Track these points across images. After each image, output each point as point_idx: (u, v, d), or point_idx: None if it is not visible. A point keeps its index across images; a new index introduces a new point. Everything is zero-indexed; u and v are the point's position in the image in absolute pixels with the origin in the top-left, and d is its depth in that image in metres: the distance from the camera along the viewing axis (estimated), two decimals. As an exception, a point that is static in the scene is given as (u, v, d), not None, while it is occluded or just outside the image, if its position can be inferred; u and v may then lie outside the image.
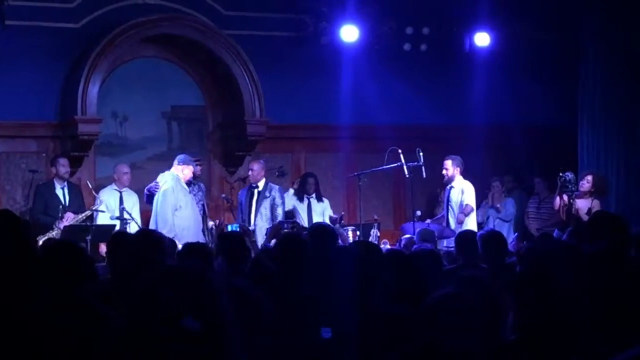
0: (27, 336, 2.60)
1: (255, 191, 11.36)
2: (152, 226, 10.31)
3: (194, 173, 10.91)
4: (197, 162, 11.13)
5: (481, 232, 7.53)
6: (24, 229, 3.76)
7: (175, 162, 10.78)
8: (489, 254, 6.81)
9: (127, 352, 2.26)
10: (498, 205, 12.36)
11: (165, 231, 9.36)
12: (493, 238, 6.97)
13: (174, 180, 10.55)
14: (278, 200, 11.30)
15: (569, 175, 10.28)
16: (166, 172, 10.75)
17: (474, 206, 11.11)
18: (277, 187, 11.47)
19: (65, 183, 11.00)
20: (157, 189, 10.56)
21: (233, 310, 2.52)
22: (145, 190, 10.78)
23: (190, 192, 10.75)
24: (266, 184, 11.40)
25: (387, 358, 3.78)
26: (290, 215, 11.80)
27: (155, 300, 2.31)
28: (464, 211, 10.87)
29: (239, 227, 9.85)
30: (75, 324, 2.60)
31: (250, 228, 11.15)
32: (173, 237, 8.30)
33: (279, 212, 11.24)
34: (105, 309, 2.73)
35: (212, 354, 2.25)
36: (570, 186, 10.18)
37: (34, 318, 2.62)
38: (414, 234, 9.64)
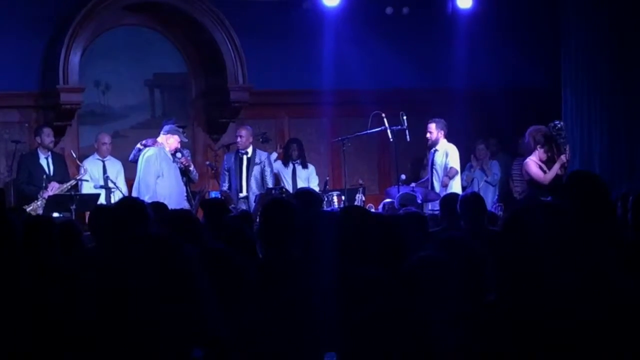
0: (4, 303, 2.62)
1: (245, 157, 11.37)
2: (134, 192, 10.31)
3: (180, 143, 10.87)
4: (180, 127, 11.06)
5: (461, 194, 7.56)
6: None
7: (162, 132, 10.72)
8: (468, 216, 6.83)
9: (103, 318, 2.28)
10: (485, 167, 12.36)
11: (147, 197, 9.37)
12: (472, 200, 6.99)
13: (158, 148, 10.53)
14: (267, 168, 11.36)
15: (560, 124, 10.25)
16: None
17: (459, 169, 11.13)
18: (265, 153, 11.51)
19: (50, 153, 10.97)
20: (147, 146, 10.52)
21: (213, 275, 2.54)
22: (135, 151, 10.69)
23: (174, 162, 10.70)
24: (254, 150, 11.43)
25: (368, 321, 3.81)
26: (276, 180, 11.84)
27: (130, 267, 2.32)
28: (449, 174, 10.89)
29: (220, 193, 9.86)
30: (51, 290, 2.62)
31: (243, 194, 11.19)
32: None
33: (268, 179, 11.30)
34: (83, 276, 2.74)
35: (186, 322, 2.27)
36: (563, 133, 10.18)
37: (11, 285, 2.64)
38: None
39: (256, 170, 11.32)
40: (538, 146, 9.95)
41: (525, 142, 10.38)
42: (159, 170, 10.35)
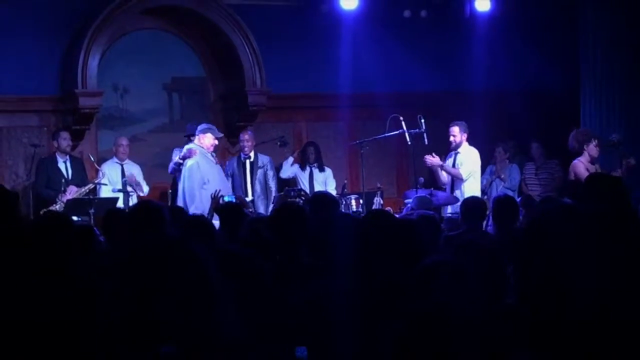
0: (15, 309, 2.61)
1: (247, 162, 11.38)
2: (180, 203, 10.09)
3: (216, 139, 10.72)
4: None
5: (496, 196, 7.56)
6: (11, 199, 3.73)
7: (196, 133, 10.53)
8: (501, 220, 6.81)
9: (117, 322, 2.27)
10: (502, 176, 12.28)
11: (192, 208, 9.36)
12: (507, 204, 6.97)
13: (196, 155, 10.27)
14: (269, 172, 11.41)
15: (616, 137, 10.26)
16: (190, 145, 10.47)
17: (474, 172, 10.95)
18: (267, 157, 11.56)
19: (68, 157, 11.02)
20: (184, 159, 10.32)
21: (228, 276, 2.53)
22: (174, 164, 10.61)
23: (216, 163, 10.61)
24: (256, 154, 11.45)
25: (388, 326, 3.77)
26: (293, 184, 11.86)
27: (146, 270, 2.32)
28: (454, 172, 10.74)
29: (235, 197, 9.83)
30: (64, 296, 2.62)
31: (249, 198, 11.18)
32: (202, 213, 8.20)
33: (271, 182, 11.33)
34: (97, 280, 2.74)
35: (201, 322, 2.27)
36: (621, 148, 10.19)
37: (21, 290, 2.63)
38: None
39: (259, 173, 11.35)
40: (585, 145, 9.97)
41: (570, 147, 10.35)
42: (202, 177, 10.11)
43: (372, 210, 8.19)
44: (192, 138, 10.69)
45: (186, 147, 10.45)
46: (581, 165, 9.85)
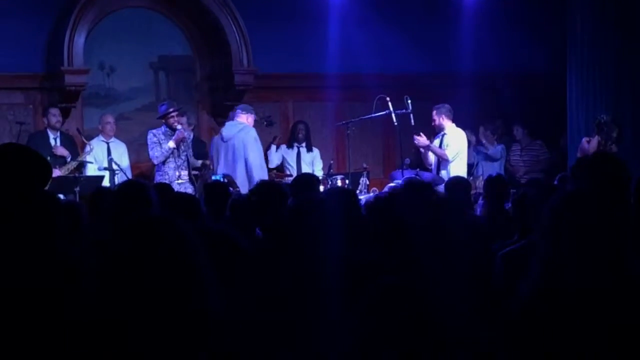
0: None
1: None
2: (243, 174, 10.50)
3: (170, 124, 10.77)
4: (175, 112, 10.92)
5: (489, 175, 7.61)
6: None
7: (239, 112, 10.77)
8: (491, 198, 6.85)
9: (101, 303, 2.28)
10: (484, 142, 12.40)
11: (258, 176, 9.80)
12: (497, 182, 7.01)
13: (254, 130, 10.76)
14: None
15: (605, 118, 10.40)
16: (233, 123, 10.77)
17: (460, 153, 10.94)
18: None
19: (59, 133, 11.00)
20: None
21: (211, 255, 2.54)
22: (166, 152, 10.59)
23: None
24: None
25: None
26: (280, 166, 11.89)
27: (133, 249, 2.32)
28: (439, 152, 10.77)
29: (223, 176, 9.84)
30: (48, 275, 2.62)
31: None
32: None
33: None
34: (81, 258, 2.74)
35: (186, 303, 2.28)
36: (606, 129, 10.32)
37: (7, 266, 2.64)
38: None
39: None
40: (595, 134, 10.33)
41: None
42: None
43: (329, 189, 8.19)
44: (169, 120, 10.67)
45: (231, 127, 10.70)
46: (585, 143, 10.13)
